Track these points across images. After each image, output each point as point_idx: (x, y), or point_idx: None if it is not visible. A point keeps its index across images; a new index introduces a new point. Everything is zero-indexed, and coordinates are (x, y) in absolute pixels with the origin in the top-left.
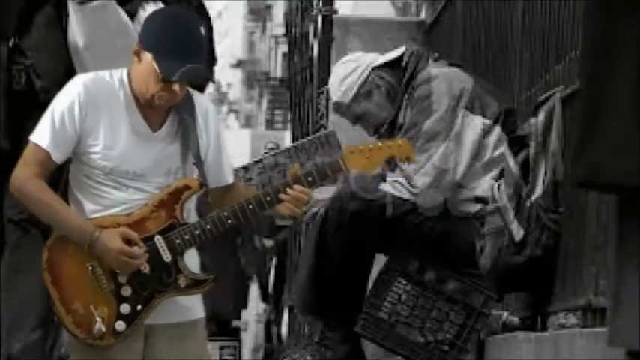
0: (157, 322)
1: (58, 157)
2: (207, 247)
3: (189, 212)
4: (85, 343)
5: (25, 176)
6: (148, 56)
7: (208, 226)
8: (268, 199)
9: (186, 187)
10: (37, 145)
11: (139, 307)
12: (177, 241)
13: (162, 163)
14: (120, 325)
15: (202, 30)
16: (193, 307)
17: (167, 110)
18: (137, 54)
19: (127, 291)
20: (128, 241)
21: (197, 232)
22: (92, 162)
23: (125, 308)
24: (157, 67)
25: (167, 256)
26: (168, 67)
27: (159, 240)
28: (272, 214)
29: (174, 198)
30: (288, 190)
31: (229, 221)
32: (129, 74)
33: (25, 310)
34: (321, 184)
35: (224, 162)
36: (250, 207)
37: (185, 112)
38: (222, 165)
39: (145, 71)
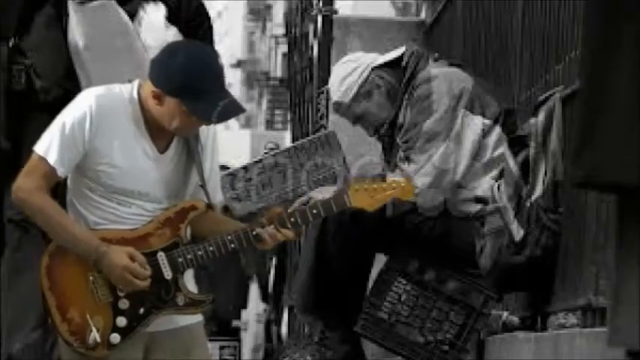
0: (157, 329)
1: (63, 172)
2: None
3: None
4: (78, 352)
5: (28, 188)
6: (172, 100)
7: (211, 248)
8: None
9: (193, 207)
10: (43, 159)
11: (135, 321)
12: (180, 259)
13: (167, 183)
14: (114, 337)
15: (220, 60)
16: None
17: (173, 133)
18: (157, 97)
19: (124, 304)
20: (133, 261)
21: (200, 252)
22: (97, 179)
23: (121, 321)
24: (191, 112)
25: (168, 274)
26: (204, 110)
27: (161, 257)
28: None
29: (180, 217)
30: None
31: (232, 245)
32: (139, 93)
33: (25, 310)
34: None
35: (211, 182)
36: (254, 234)
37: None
38: (209, 185)
39: (168, 112)
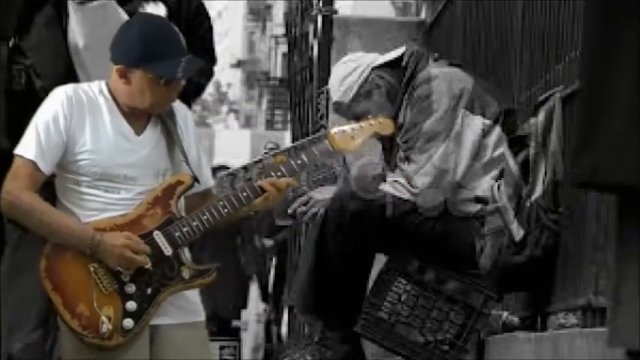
0: (162, 322)
1: (46, 168)
2: (207, 246)
3: (182, 208)
4: (94, 345)
5: (15, 190)
6: (137, 73)
7: (205, 217)
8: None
9: (179, 182)
10: (23, 158)
11: (144, 303)
12: (177, 234)
13: (150, 165)
14: (128, 322)
15: (173, 24)
16: (195, 309)
17: (148, 115)
18: (123, 75)
19: (131, 288)
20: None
21: (195, 223)
22: (81, 169)
23: (131, 305)
24: (154, 74)
25: (168, 250)
26: (167, 69)
27: (158, 235)
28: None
29: (168, 193)
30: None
31: (225, 210)
32: (107, 85)
33: (25, 310)
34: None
35: (203, 166)
36: (245, 194)
37: (166, 116)
38: (202, 169)
39: (137, 88)
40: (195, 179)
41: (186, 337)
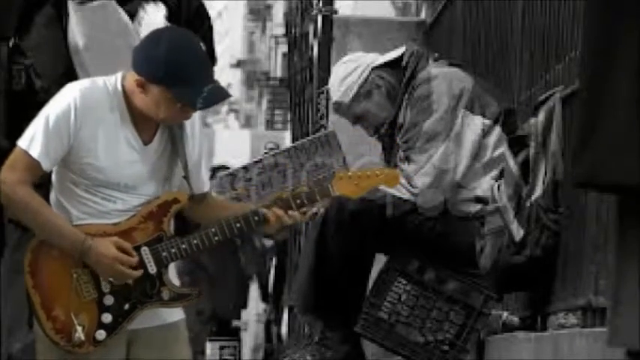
0: (139, 326)
1: (47, 166)
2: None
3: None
4: (64, 350)
5: (12, 181)
6: (156, 88)
7: (195, 241)
8: (256, 218)
9: (176, 201)
10: (26, 152)
11: (120, 317)
12: (164, 253)
13: (152, 175)
14: (100, 334)
15: (203, 46)
16: (174, 310)
17: (158, 123)
18: (141, 85)
19: (109, 300)
20: (121, 251)
21: (184, 246)
22: (82, 172)
23: (107, 318)
24: (176, 98)
25: (152, 268)
26: (188, 96)
27: (145, 251)
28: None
29: (163, 210)
30: (274, 209)
31: (216, 238)
32: (123, 85)
33: (26, 309)
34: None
35: (202, 170)
36: (238, 225)
37: (175, 124)
38: (201, 173)
39: (153, 101)
40: (191, 196)
41: (164, 338)
